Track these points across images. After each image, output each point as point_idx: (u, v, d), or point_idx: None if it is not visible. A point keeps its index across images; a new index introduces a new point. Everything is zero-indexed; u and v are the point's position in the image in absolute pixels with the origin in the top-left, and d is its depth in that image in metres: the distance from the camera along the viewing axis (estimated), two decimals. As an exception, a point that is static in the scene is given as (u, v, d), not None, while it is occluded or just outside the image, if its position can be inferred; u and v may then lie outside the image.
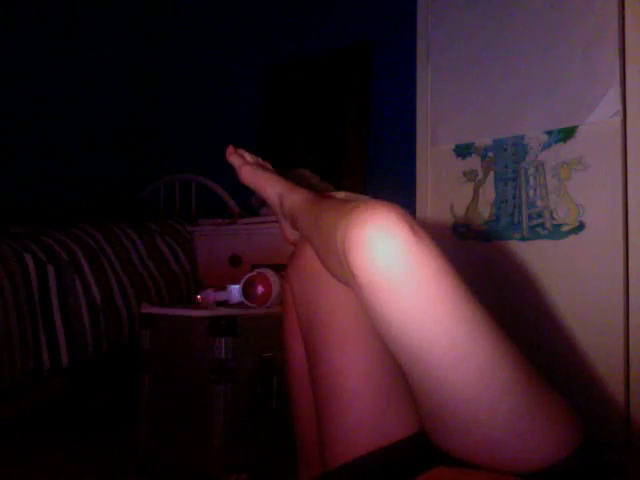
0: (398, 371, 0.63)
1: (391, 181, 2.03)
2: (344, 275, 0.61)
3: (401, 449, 0.65)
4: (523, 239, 1.43)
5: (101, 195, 2.58)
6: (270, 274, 1.32)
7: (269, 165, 1.00)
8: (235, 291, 1.31)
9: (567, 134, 1.38)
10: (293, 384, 0.84)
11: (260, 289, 1.31)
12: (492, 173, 1.50)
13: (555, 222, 1.38)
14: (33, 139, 2.39)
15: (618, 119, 1.30)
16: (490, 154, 1.50)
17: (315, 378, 0.72)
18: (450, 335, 0.54)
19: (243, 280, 1.31)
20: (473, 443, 0.57)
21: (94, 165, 2.59)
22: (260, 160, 1.00)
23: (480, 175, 1.52)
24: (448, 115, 1.58)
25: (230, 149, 0.97)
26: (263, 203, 1.85)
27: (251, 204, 1.98)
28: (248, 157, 0.97)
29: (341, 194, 1.74)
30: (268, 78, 2.44)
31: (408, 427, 0.66)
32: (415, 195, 1.63)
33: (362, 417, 0.67)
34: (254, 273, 1.32)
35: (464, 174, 1.54)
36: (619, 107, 1.30)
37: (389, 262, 0.54)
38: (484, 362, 0.55)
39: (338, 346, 0.69)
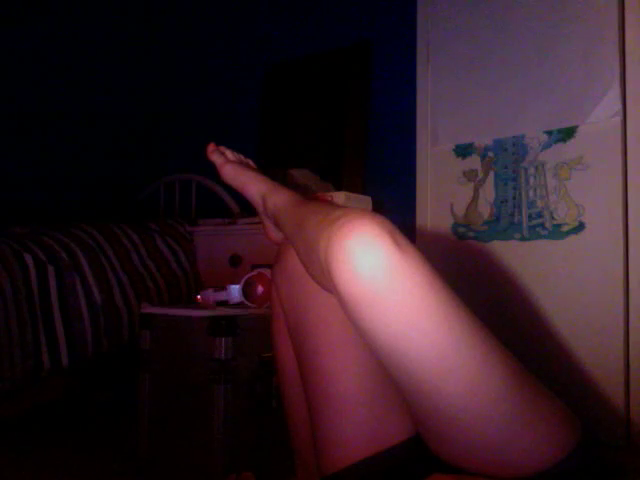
0: None
1: (391, 181, 2.03)
2: (327, 285, 0.60)
3: (397, 455, 0.65)
4: (523, 239, 1.43)
5: (101, 195, 2.58)
6: (270, 274, 1.31)
7: (252, 163, 0.99)
8: (235, 291, 1.31)
9: (567, 134, 1.38)
10: (285, 388, 0.83)
11: (260, 289, 1.31)
12: (492, 173, 1.50)
13: (555, 222, 1.38)
14: (33, 139, 2.39)
15: (618, 119, 1.30)
16: (490, 154, 1.50)
17: (307, 383, 0.71)
18: (438, 347, 0.54)
19: (243, 280, 1.31)
20: (467, 451, 0.57)
21: (94, 165, 2.58)
22: (243, 158, 0.98)
23: (480, 175, 1.52)
24: (448, 115, 1.58)
25: (211, 147, 0.95)
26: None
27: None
28: (230, 155, 0.96)
29: (341, 194, 1.74)
30: (268, 78, 2.44)
31: (404, 431, 0.66)
32: (415, 195, 1.63)
33: (356, 422, 0.66)
34: (254, 273, 1.32)
35: (464, 174, 1.54)
36: (619, 107, 1.30)
37: (372, 276, 0.53)
38: (475, 372, 0.54)
39: (330, 351, 0.69)
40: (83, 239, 1.81)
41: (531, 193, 1.43)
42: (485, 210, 1.50)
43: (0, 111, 2.28)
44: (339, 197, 1.72)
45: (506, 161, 1.47)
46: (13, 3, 2.32)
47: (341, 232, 0.55)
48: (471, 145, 1.53)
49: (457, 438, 0.56)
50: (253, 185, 0.88)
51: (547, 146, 1.41)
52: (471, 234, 1.52)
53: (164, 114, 2.79)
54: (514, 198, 1.45)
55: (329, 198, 1.70)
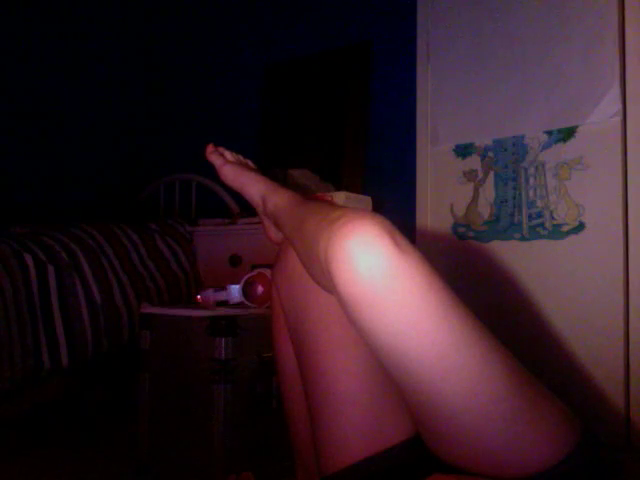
0: None
1: (391, 181, 2.03)
2: (327, 285, 0.60)
3: (397, 455, 0.65)
4: (523, 239, 1.43)
5: (101, 195, 2.58)
6: (270, 274, 1.31)
7: (252, 164, 0.99)
8: (235, 291, 1.31)
9: (567, 134, 1.38)
10: (285, 388, 0.83)
11: (260, 289, 1.31)
12: (492, 173, 1.50)
13: (555, 222, 1.38)
14: (33, 139, 2.39)
15: (618, 119, 1.30)
16: (490, 154, 1.50)
17: (307, 383, 0.71)
18: (438, 346, 0.54)
19: (243, 280, 1.31)
20: (467, 451, 0.57)
21: (94, 165, 2.58)
22: (242, 158, 0.98)
23: (480, 175, 1.52)
24: (448, 115, 1.58)
25: (210, 148, 0.95)
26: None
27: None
28: (229, 156, 0.96)
29: (341, 194, 1.75)
30: (268, 78, 2.44)
31: (404, 431, 0.66)
32: (415, 195, 1.63)
33: (356, 422, 0.66)
34: (254, 273, 1.32)
35: (464, 174, 1.54)
36: (619, 107, 1.30)
37: (372, 276, 0.53)
38: (475, 372, 0.54)
39: (329, 351, 0.68)
40: (83, 239, 1.80)
41: (531, 193, 1.43)
42: (485, 210, 1.50)
43: (0, 111, 2.28)
44: (339, 197, 1.72)
45: (506, 161, 1.47)
46: (13, 2, 2.32)
47: (341, 232, 0.55)
48: (471, 145, 1.53)
49: (457, 438, 0.56)
50: (253, 185, 0.88)
51: (547, 146, 1.41)
52: (471, 234, 1.52)
53: (164, 114, 2.79)
54: (514, 198, 1.45)
55: (329, 198, 1.70)
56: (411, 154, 1.65)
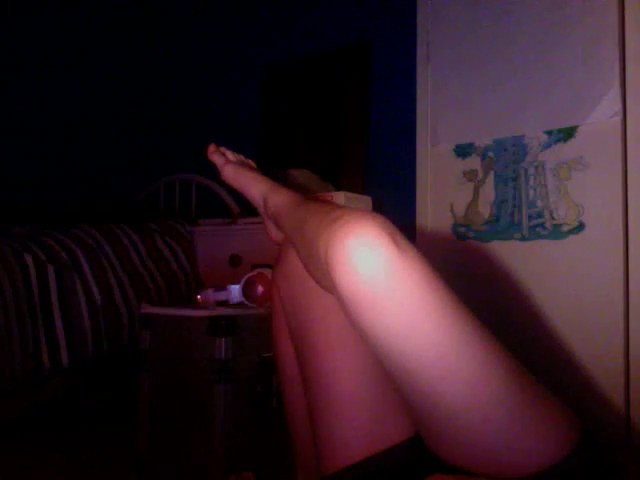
0: None
1: (391, 181, 2.03)
2: (328, 285, 0.60)
3: (397, 455, 0.65)
4: (523, 239, 1.43)
5: (101, 195, 2.58)
6: (270, 274, 1.31)
7: (253, 164, 0.99)
8: (235, 291, 1.31)
9: (567, 134, 1.38)
10: (285, 388, 0.83)
11: (260, 289, 1.31)
12: (492, 173, 1.50)
13: (555, 222, 1.38)
14: (33, 139, 2.39)
15: (618, 119, 1.30)
16: (490, 154, 1.50)
17: (308, 383, 0.72)
18: (438, 347, 0.54)
19: (243, 280, 1.31)
20: (467, 451, 0.57)
21: (94, 165, 2.58)
22: (243, 158, 0.98)
23: (480, 175, 1.52)
24: (448, 115, 1.58)
25: (211, 147, 0.95)
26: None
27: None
28: (230, 156, 0.96)
29: (341, 194, 1.74)
30: (268, 78, 2.44)
31: (404, 431, 0.66)
32: (415, 195, 1.63)
33: (356, 422, 0.66)
34: (254, 273, 1.32)
35: (464, 174, 1.54)
36: (619, 107, 1.30)
37: (372, 276, 0.53)
38: (474, 372, 0.54)
39: (329, 351, 0.69)
40: (83, 239, 1.80)
41: (531, 193, 1.43)
42: (485, 210, 1.50)
43: (0, 111, 2.28)
44: (339, 197, 1.72)
45: (506, 161, 1.47)
46: (13, 1, 2.32)
47: (341, 232, 0.55)
48: (471, 145, 1.53)
49: (457, 438, 0.56)
50: (254, 185, 0.88)
51: (547, 146, 1.41)
52: (471, 234, 1.52)
53: (164, 114, 2.79)
54: (514, 198, 1.45)
55: (329, 198, 1.70)
56: (411, 154, 1.65)
